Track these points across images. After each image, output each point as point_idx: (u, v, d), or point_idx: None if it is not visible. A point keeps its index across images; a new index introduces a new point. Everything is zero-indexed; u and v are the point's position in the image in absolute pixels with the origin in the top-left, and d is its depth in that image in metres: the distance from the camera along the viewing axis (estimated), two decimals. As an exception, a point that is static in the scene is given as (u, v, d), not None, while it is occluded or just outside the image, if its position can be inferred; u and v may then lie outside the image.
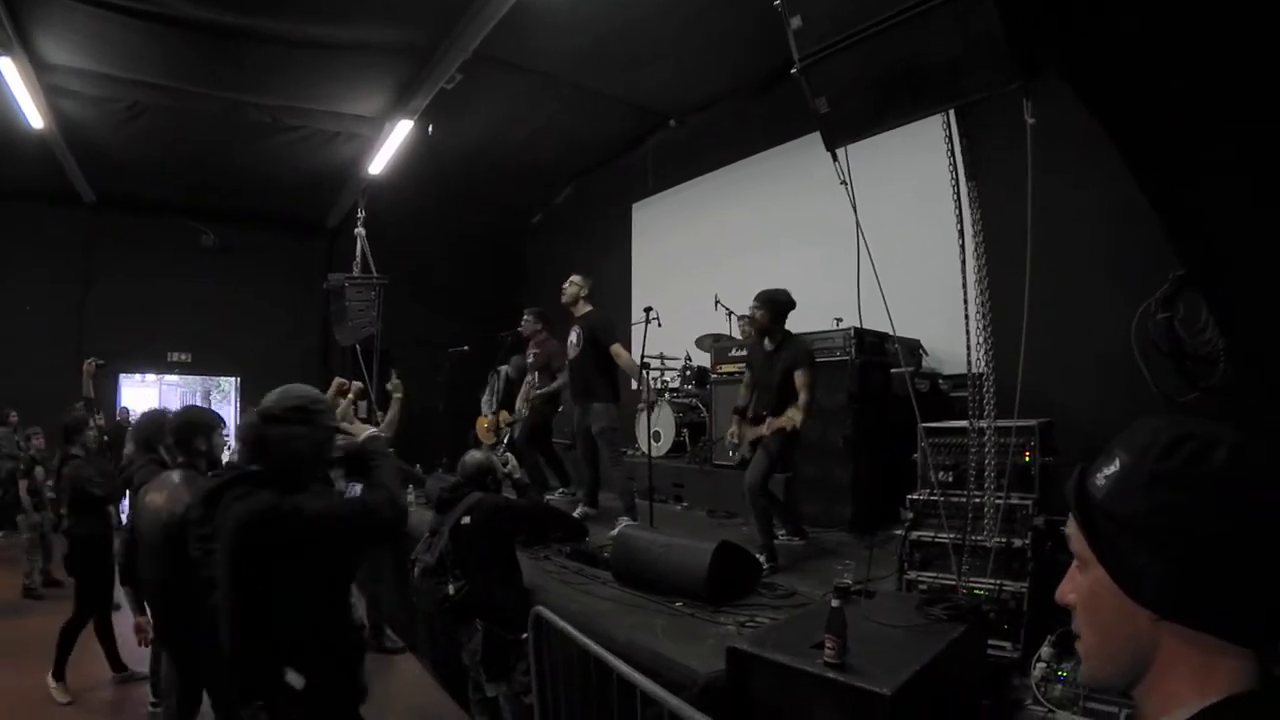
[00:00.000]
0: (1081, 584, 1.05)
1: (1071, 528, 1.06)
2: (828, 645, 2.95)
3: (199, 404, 14.63)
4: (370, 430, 3.22)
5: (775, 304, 6.07)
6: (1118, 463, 1.00)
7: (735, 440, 6.32)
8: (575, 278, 7.68)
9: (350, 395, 5.99)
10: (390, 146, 11.40)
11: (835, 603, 2.99)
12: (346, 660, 3.06)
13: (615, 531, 6.26)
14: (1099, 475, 1.02)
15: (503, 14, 7.91)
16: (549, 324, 8.85)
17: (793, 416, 5.63)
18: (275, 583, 2.72)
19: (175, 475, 4.22)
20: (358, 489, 3.92)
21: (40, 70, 9.26)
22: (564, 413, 8.77)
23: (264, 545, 2.69)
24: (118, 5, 7.85)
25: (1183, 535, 0.92)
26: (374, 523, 2.97)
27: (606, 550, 5.77)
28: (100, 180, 13.68)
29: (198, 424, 4.47)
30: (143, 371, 16.31)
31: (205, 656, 4.21)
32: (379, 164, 11.95)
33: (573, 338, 7.53)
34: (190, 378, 17.29)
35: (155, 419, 5.42)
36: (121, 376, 15.60)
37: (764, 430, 5.83)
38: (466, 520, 4.80)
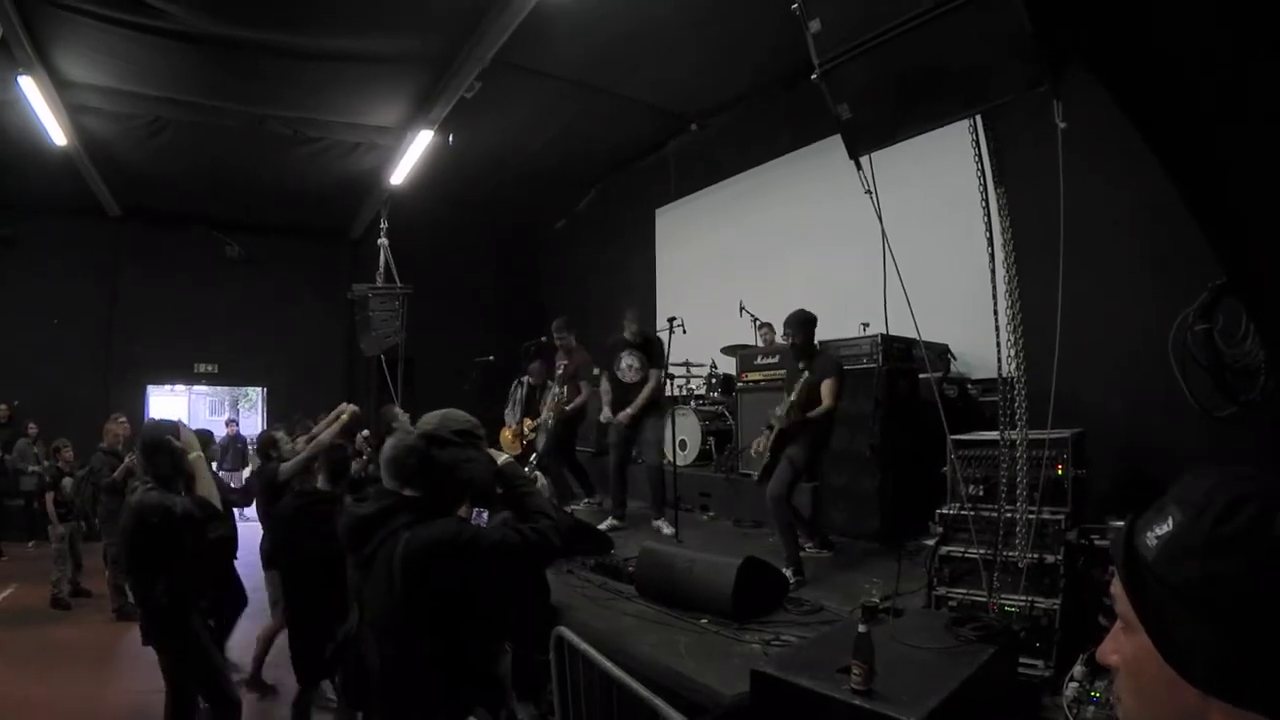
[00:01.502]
0: (1125, 648, 0.96)
1: (1117, 588, 0.96)
2: (854, 671, 2.86)
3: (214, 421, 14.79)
4: (506, 455, 3.10)
5: (806, 325, 6.18)
6: (1170, 522, 0.90)
7: (755, 452, 6.27)
8: (633, 321, 8.00)
9: (345, 418, 5.93)
10: (411, 156, 11.40)
11: (862, 628, 2.90)
12: (502, 690, 3.02)
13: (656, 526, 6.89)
14: (1149, 534, 0.92)
15: (519, 21, 7.88)
16: (576, 333, 8.81)
17: (787, 401, 5.87)
18: (449, 616, 2.62)
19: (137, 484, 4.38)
20: (485, 515, 3.86)
21: (61, 88, 9.33)
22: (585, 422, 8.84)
23: (444, 577, 2.58)
24: (135, 23, 7.87)
25: (1239, 609, 0.82)
26: (548, 551, 2.87)
27: (631, 564, 5.70)
28: (125, 194, 13.82)
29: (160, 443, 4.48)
30: (170, 382, 16.44)
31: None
32: (400, 174, 11.97)
33: (635, 362, 7.81)
34: (218, 388, 17.39)
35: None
36: (150, 387, 15.76)
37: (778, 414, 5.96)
38: None
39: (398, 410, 7.59)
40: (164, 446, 4.43)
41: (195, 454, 4.54)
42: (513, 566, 2.81)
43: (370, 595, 2.72)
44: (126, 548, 4.25)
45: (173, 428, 4.68)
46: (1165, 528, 0.90)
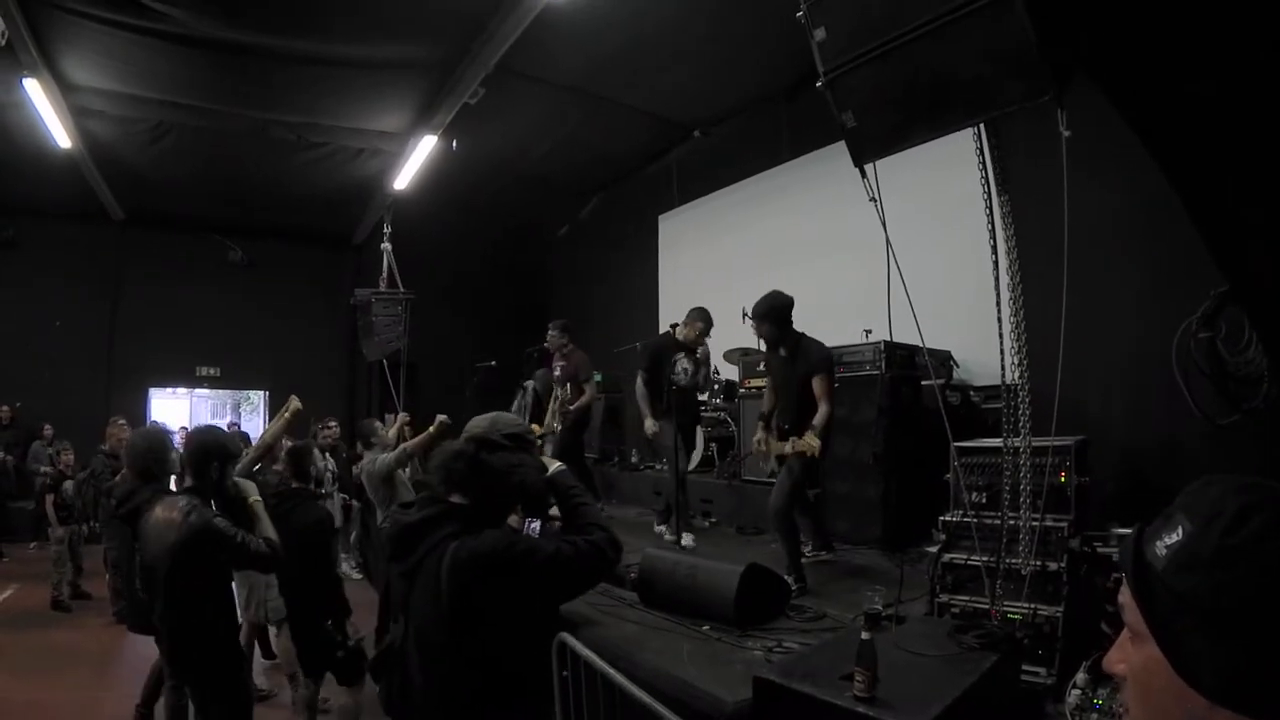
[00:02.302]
0: (1133, 657, 0.96)
1: (1125, 596, 0.96)
2: (857, 678, 2.86)
3: (215, 423, 14.76)
4: (558, 464, 3.00)
5: (774, 310, 5.85)
6: (1180, 531, 0.90)
7: (763, 448, 6.14)
8: (700, 324, 7.59)
9: (288, 415, 5.96)
10: (415, 162, 11.43)
11: (865, 634, 2.90)
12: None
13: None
14: (1158, 543, 0.92)
15: (523, 28, 7.89)
16: (574, 336, 8.80)
17: (811, 443, 5.36)
18: (496, 628, 2.50)
19: (181, 499, 3.99)
20: (536, 526, 3.78)
21: (66, 91, 9.37)
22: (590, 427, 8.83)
23: (492, 590, 2.46)
24: (141, 26, 7.89)
25: (1248, 619, 0.82)
26: (603, 566, 2.75)
27: (633, 571, 5.69)
28: (128, 198, 13.85)
29: (213, 450, 4.21)
30: (173, 386, 16.45)
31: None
32: (404, 179, 12.00)
33: (689, 365, 7.48)
34: (220, 391, 17.41)
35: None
36: (152, 390, 15.78)
37: (787, 450, 5.65)
38: None
39: (377, 424, 7.59)
40: (220, 454, 4.19)
41: (255, 499, 4.30)
42: (566, 580, 2.70)
43: (416, 606, 2.61)
44: (175, 574, 3.84)
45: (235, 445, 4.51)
46: (1174, 537, 0.90)
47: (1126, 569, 0.96)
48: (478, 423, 2.81)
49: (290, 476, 5.45)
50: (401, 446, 6.58)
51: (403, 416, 8.12)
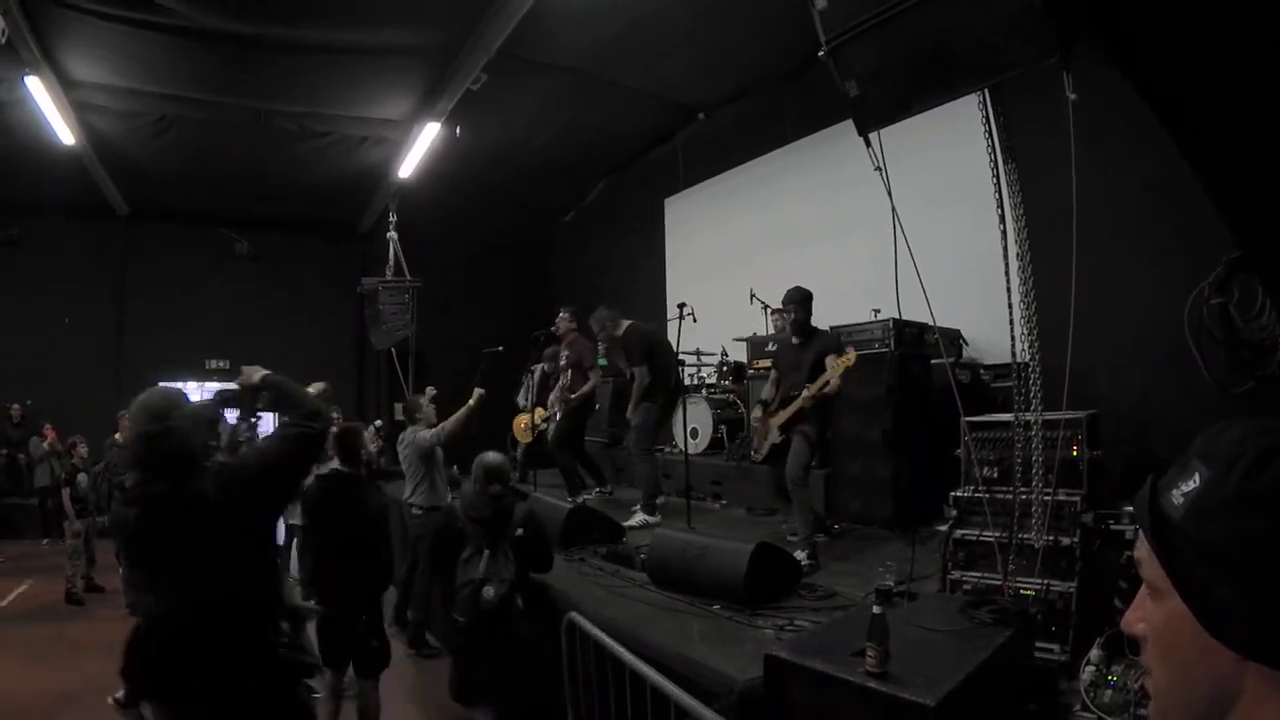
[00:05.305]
0: (1154, 614, 0.90)
1: (1142, 551, 0.91)
2: (869, 654, 2.83)
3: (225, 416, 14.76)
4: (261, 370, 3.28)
5: (806, 301, 6.23)
6: (1197, 477, 0.85)
7: (759, 426, 6.36)
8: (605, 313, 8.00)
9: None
10: (419, 149, 11.38)
11: (877, 609, 2.86)
12: None
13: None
14: (1175, 492, 0.87)
15: (524, 11, 7.83)
16: (583, 323, 8.78)
17: (848, 359, 5.78)
18: None
19: None
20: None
21: (68, 87, 9.37)
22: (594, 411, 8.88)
23: None
24: (141, 20, 7.87)
25: (1274, 565, 0.77)
26: None
27: (643, 552, 5.67)
28: (133, 192, 13.86)
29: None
30: (182, 379, 16.45)
31: None
32: (408, 167, 11.95)
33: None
34: (230, 384, 17.42)
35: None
36: (161, 384, 15.77)
37: (797, 402, 5.91)
38: (520, 533, 4.79)
39: (423, 400, 7.62)
40: None
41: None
42: None
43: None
44: None
45: None
46: (1192, 484, 0.85)
47: (1143, 522, 0.91)
48: (146, 405, 2.94)
49: (340, 459, 5.38)
50: (441, 426, 7.02)
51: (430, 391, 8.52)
